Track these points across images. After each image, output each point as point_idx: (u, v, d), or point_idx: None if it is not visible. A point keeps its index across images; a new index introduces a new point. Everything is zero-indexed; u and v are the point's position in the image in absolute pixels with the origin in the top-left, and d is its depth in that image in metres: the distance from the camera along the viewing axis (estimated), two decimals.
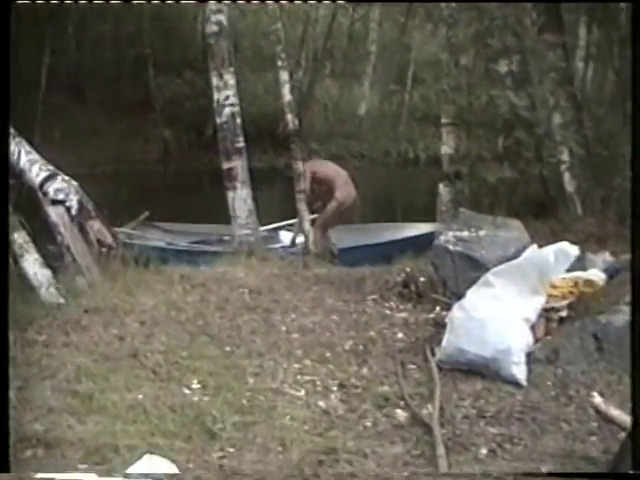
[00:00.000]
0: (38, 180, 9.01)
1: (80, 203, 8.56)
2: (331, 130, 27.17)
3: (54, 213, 8.62)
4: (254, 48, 25.64)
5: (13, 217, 9.64)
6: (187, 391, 4.92)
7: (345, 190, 10.69)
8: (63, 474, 3.90)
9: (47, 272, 8.44)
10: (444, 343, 5.42)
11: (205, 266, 8.48)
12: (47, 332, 5.91)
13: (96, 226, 8.59)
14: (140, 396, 4.77)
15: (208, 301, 6.76)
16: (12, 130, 10.67)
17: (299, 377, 5.21)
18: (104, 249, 8.39)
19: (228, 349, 5.67)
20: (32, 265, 8.82)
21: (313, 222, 10.33)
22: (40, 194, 8.92)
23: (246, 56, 25.84)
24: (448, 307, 6.08)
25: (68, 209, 8.53)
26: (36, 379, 4.97)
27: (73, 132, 24.63)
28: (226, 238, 10.93)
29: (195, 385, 5.00)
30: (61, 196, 8.65)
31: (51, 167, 9.24)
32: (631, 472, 3.67)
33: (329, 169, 11.00)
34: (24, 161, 9.73)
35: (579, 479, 4.07)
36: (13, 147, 10.14)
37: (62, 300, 7.51)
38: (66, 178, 8.85)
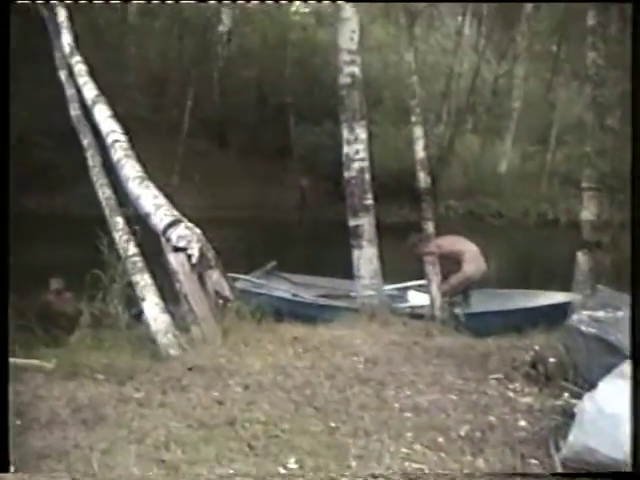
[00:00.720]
0: (162, 225, 8.92)
1: (201, 252, 8.38)
2: (470, 187, 26.83)
3: (175, 260, 8.47)
4: (395, 101, 25.46)
5: (137, 258, 9.62)
6: (283, 470, 4.49)
7: (474, 264, 10.19)
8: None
9: (167, 318, 8.29)
10: (571, 438, 4.84)
11: (326, 323, 8.09)
12: (145, 389, 5.61)
13: (215, 276, 8.38)
14: (231, 471, 4.39)
15: (319, 368, 6.29)
16: (141, 172, 10.71)
17: (407, 464, 4.71)
18: (220, 301, 8.16)
19: (333, 425, 5.19)
20: (152, 309, 8.69)
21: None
22: (163, 239, 8.79)
23: (388, 108, 25.75)
24: (578, 396, 5.50)
25: (189, 257, 8.35)
26: (123, 442, 4.65)
27: (212, 175, 24.96)
28: (353, 294, 10.59)
29: (292, 464, 4.56)
30: (183, 243, 8.50)
31: (176, 213, 9.13)
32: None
33: (456, 242, 10.46)
34: (150, 204, 9.68)
35: (579, 479, 4.02)
36: (139, 189, 10.14)
37: (176, 350, 7.32)
38: (190, 225, 8.72)
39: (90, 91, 13.72)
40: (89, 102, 13.46)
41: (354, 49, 9.18)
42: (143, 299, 8.89)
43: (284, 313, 8.70)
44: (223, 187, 24.89)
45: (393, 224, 21.23)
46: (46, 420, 4.89)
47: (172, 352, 7.42)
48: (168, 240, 8.68)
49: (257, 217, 23.34)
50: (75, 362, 6.02)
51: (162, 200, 9.73)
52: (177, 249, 8.50)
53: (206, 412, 5.22)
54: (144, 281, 9.22)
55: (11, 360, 5.23)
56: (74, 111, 14.14)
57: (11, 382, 5.31)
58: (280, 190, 25.83)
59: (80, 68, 14.65)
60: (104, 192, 11.68)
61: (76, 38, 15.94)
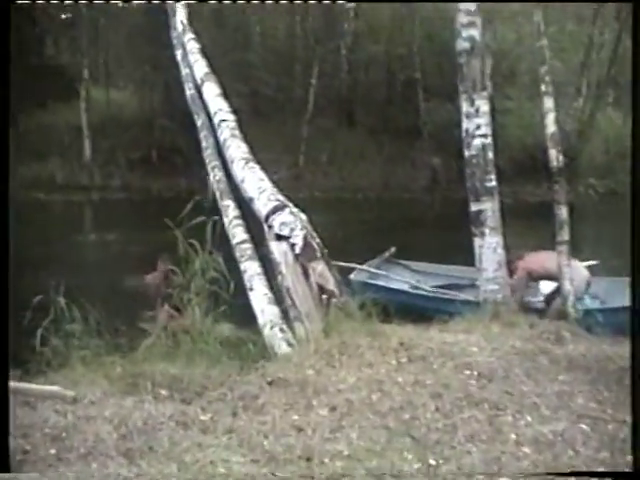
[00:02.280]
0: (265, 211, 8.27)
1: (305, 240, 7.60)
2: (612, 164, 25.28)
3: (277, 250, 7.74)
4: (532, 74, 24.13)
5: (247, 245, 8.90)
6: None
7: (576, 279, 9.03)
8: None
9: (275, 310, 7.59)
10: None
11: (441, 323, 7.06)
12: (213, 409, 4.76)
13: (319, 269, 7.56)
14: None
15: (423, 384, 5.25)
16: (246, 154, 10.04)
17: None
18: (324, 296, 7.31)
19: (433, 462, 4.20)
20: (260, 300, 7.96)
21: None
22: (265, 226, 8.10)
23: (524, 82, 24.55)
24: None
25: (292, 246, 7.57)
26: None
27: (339, 155, 24.39)
28: (478, 283, 9.53)
29: None
30: (286, 231, 7.76)
31: (281, 197, 8.43)
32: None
33: (549, 259, 9.22)
34: (254, 188, 9.03)
35: (579, 478, 3.85)
36: (243, 172, 9.48)
37: (282, 347, 6.61)
38: (294, 211, 7.98)
39: (200, 69, 13.18)
40: (198, 81, 12.93)
41: (472, 10, 8.05)
42: (251, 289, 8.19)
43: (398, 307, 7.76)
44: (351, 167, 24.24)
45: (530, 204, 20.13)
46: (86, 450, 4.09)
47: (278, 350, 6.66)
48: (270, 227, 7.95)
49: (386, 199, 22.59)
50: (138, 373, 5.17)
51: (267, 183, 9.03)
52: (280, 237, 7.75)
53: (279, 442, 4.32)
54: (253, 270, 8.50)
55: (24, 386, 4.47)
56: (189, 91, 13.73)
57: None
58: (411, 170, 24.93)
59: (192, 46, 14.11)
60: (215, 174, 11.12)
61: (189, 15, 15.38)
